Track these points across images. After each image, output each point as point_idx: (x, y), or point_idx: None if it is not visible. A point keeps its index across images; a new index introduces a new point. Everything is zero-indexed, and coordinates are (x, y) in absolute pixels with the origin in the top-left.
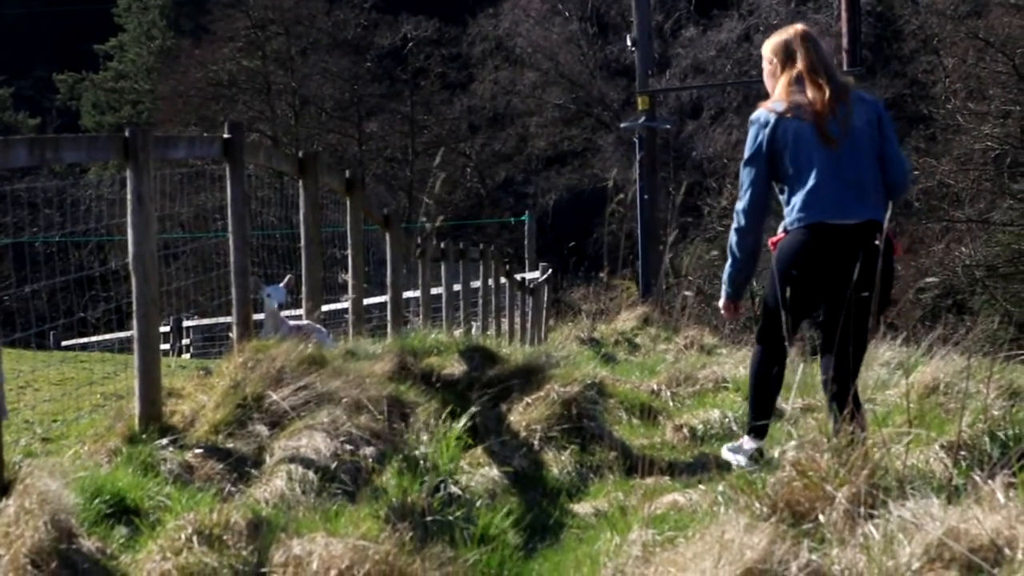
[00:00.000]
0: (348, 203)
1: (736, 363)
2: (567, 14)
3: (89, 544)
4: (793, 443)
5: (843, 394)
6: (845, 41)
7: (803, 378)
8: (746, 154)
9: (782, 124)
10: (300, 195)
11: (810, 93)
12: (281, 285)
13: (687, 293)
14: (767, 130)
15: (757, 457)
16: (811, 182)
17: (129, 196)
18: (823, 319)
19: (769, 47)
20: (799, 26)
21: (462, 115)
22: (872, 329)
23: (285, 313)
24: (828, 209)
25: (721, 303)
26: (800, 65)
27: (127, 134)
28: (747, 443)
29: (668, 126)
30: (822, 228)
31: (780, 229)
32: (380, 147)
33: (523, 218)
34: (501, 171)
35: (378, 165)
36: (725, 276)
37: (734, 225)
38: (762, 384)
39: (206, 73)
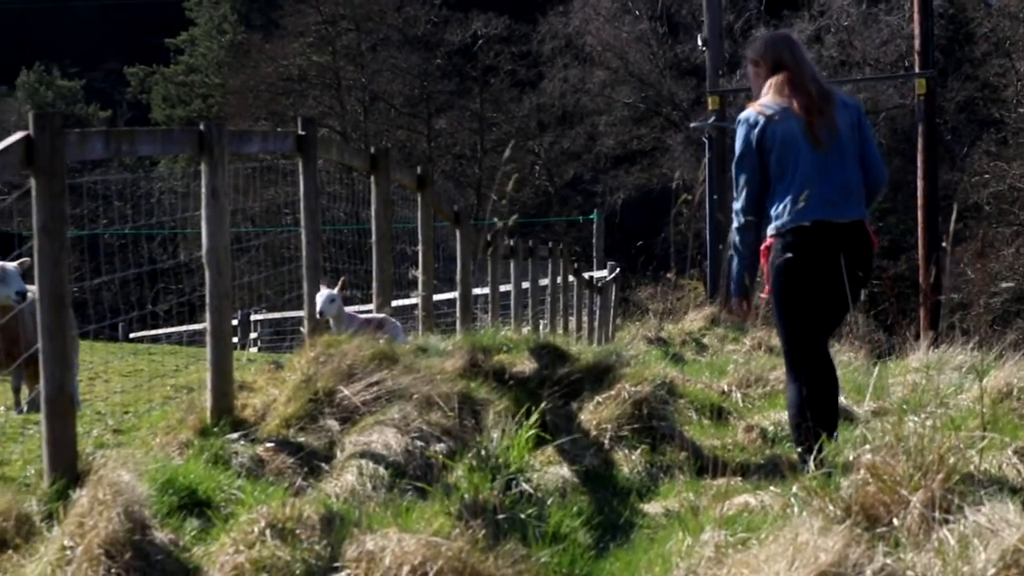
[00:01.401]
0: (419, 199)
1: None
2: (637, 13)
3: (162, 536)
4: (867, 446)
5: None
6: (917, 43)
7: (876, 380)
8: (736, 155)
9: (770, 126)
10: (372, 191)
11: (798, 97)
12: (336, 291)
13: (762, 296)
14: (756, 130)
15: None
16: (801, 183)
17: (203, 190)
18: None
19: (755, 51)
20: (783, 32)
21: (531, 113)
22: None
23: (353, 308)
24: (819, 208)
25: (733, 302)
26: (786, 69)
27: (202, 128)
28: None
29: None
30: (817, 226)
31: (769, 233)
32: (449, 144)
33: (591, 216)
34: (569, 169)
35: (447, 162)
36: (733, 275)
37: (735, 224)
38: (804, 420)
39: (276, 68)
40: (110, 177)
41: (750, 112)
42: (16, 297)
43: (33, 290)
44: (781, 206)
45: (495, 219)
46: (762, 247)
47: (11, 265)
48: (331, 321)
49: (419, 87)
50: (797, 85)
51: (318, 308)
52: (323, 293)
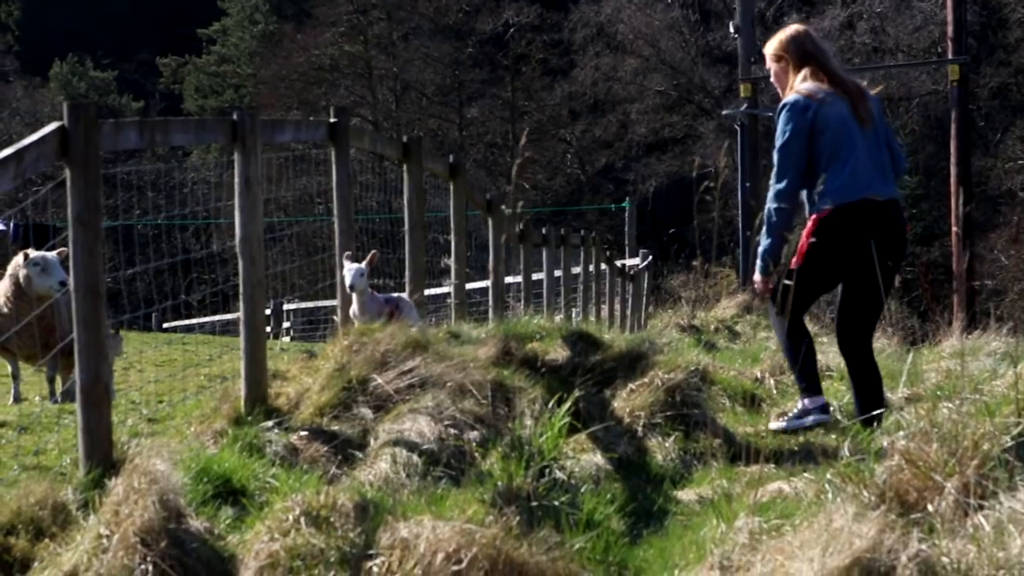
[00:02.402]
0: (452, 188)
1: (839, 352)
2: (669, 1)
3: (197, 524)
4: (901, 433)
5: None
6: (950, 29)
7: (911, 367)
8: (783, 138)
9: (822, 108)
10: (404, 180)
11: (839, 82)
12: (363, 264)
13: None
14: (809, 113)
15: (827, 408)
16: (853, 161)
17: (236, 179)
18: (865, 291)
19: (777, 46)
20: (800, 26)
21: (563, 101)
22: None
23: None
24: (870, 185)
25: (757, 278)
26: (815, 59)
27: (235, 117)
28: (809, 403)
29: (770, 113)
30: (868, 203)
31: (824, 205)
32: (480, 132)
33: (623, 204)
34: (601, 157)
35: (478, 151)
36: (762, 252)
37: (773, 205)
38: (800, 349)
39: (308, 58)
40: (144, 167)
41: (798, 97)
42: (58, 287)
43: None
44: (834, 181)
45: (503, 207)
46: (812, 219)
47: (51, 255)
48: (355, 298)
49: (451, 76)
50: (832, 72)
51: (348, 282)
52: (352, 267)
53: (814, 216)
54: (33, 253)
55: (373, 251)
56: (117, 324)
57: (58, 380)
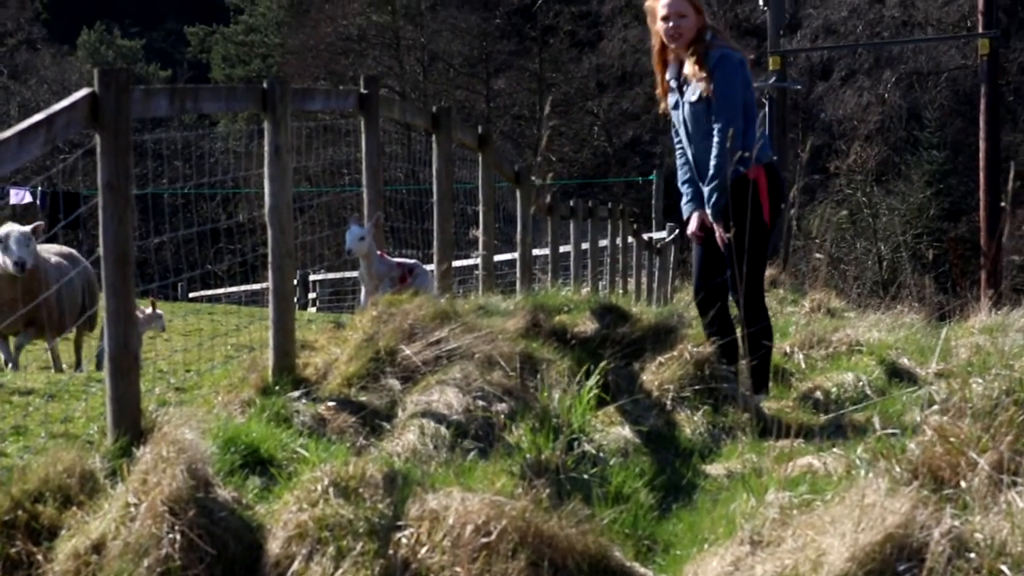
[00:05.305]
0: (480, 159)
1: (869, 326)
2: None
3: (225, 493)
4: (935, 408)
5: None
6: (980, 3)
7: (943, 343)
8: (731, 89)
9: (745, 67)
10: (433, 150)
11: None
12: (364, 227)
13: (817, 255)
14: (744, 69)
15: None
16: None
17: (266, 147)
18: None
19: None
20: None
21: (590, 73)
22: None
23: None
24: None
25: (696, 225)
26: (702, 16)
27: (266, 85)
28: None
29: (798, 87)
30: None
31: (761, 159)
32: (508, 104)
33: (650, 177)
34: (628, 130)
35: (505, 122)
36: (719, 196)
37: (740, 169)
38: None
39: (336, 27)
40: (172, 135)
41: (734, 52)
42: (13, 268)
43: (48, 253)
44: (762, 139)
45: (533, 178)
46: (759, 175)
47: (17, 231)
48: (361, 261)
49: (478, 47)
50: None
51: (346, 246)
52: (352, 231)
53: (760, 171)
54: (3, 230)
55: (378, 213)
56: (144, 291)
57: (47, 348)
